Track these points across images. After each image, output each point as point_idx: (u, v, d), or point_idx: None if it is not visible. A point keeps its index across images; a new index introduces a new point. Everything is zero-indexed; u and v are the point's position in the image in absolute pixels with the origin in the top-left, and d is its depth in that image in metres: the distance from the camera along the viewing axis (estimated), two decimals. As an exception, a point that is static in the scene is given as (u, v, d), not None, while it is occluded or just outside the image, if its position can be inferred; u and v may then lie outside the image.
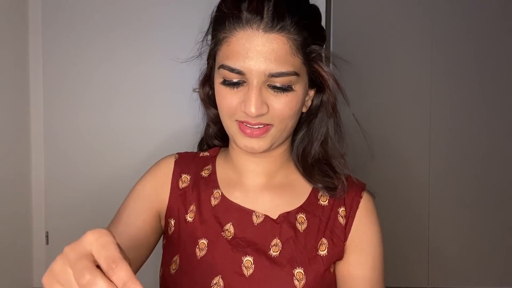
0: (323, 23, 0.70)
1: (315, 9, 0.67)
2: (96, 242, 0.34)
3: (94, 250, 0.34)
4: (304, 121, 0.72)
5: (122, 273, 0.32)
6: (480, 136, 2.08)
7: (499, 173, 2.09)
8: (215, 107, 0.69)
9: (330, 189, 0.71)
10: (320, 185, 0.71)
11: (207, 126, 0.79)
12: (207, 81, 0.73)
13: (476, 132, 2.08)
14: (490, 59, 2.06)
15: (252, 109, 0.60)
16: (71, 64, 1.82)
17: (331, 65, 0.70)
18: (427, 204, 2.09)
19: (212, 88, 0.70)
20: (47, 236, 1.87)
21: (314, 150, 0.72)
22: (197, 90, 0.77)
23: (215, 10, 0.66)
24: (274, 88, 0.61)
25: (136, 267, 0.68)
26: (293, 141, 0.74)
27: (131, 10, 1.80)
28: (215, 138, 0.80)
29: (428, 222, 2.09)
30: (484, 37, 2.06)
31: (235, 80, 0.62)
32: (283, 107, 0.62)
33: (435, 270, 2.09)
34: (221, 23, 0.63)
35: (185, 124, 1.70)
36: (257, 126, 0.63)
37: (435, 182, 2.09)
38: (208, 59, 0.70)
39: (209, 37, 0.69)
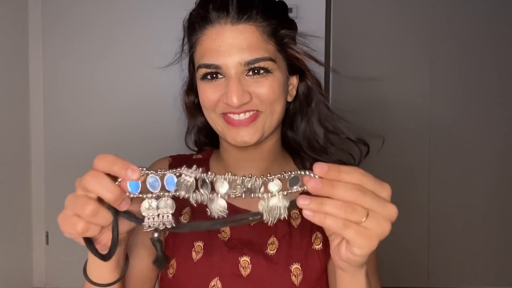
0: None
1: (280, 2, 0.68)
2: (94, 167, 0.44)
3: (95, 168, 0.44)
4: (295, 112, 0.72)
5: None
6: (481, 136, 2.08)
7: (499, 175, 2.09)
8: (202, 114, 0.69)
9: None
10: (308, 164, 0.71)
11: (187, 134, 0.79)
12: (190, 89, 0.73)
13: (476, 132, 2.08)
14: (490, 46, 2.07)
15: (234, 100, 0.60)
16: (70, 64, 1.82)
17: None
18: (427, 204, 2.09)
19: (196, 96, 0.70)
20: (47, 236, 1.86)
21: (320, 140, 0.71)
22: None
23: (186, 19, 0.67)
24: (253, 72, 0.62)
25: (154, 282, 0.69)
26: (285, 136, 0.74)
27: (129, 12, 1.80)
28: (203, 145, 0.79)
29: (428, 222, 2.09)
30: (484, 34, 2.06)
31: (213, 71, 0.62)
32: (267, 91, 0.62)
33: (435, 270, 2.09)
34: (193, 27, 0.65)
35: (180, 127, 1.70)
36: (243, 115, 0.63)
37: (435, 182, 2.08)
38: (188, 66, 0.71)
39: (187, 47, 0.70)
